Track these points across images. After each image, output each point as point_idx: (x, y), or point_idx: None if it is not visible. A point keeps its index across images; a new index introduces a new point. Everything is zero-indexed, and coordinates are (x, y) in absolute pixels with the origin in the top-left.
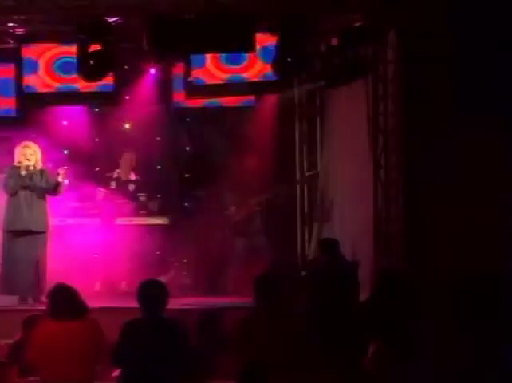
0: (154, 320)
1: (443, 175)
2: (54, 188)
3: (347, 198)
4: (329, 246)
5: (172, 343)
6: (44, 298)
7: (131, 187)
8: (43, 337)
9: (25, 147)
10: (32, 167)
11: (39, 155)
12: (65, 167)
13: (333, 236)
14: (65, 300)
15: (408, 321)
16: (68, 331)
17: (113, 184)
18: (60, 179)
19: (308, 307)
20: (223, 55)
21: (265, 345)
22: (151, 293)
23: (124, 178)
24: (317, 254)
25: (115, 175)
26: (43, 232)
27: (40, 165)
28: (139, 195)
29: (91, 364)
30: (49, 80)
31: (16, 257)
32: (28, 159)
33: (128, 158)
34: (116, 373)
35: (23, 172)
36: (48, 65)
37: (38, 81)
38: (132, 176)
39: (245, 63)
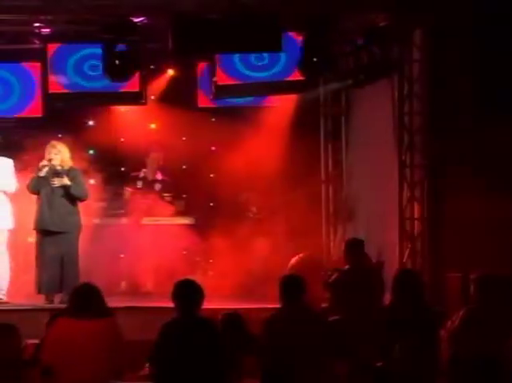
0: (191, 320)
1: (468, 175)
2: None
3: (372, 197)
4: (355, 246)
5: (209, 343)
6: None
7: (158, 186)
8: (59, 335)
9: (50, 146)
10: (59, 167)
11: (66, 154)
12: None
13: (358, 236)
14: (85, 299)
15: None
16: (85, 330)
17: (140, 184)
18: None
19: (332, 307)
20: (248, 55)
21: (290, 345)
22: (187, 293)
23: (150, 178)
24: (342, 254)
25: (141, 174)
26: (67, 232)
27: (68, 164)
28: (165, 195)
29: (108, 364)
30: (74, 80)
31: (43, 256)
32: (50, 159)
33: (154, 157)
34: (145, 371)
35: (42, 173)
36: (74, 64)
37: (64, 81)
38: (159, 176)
39: (270, 62)
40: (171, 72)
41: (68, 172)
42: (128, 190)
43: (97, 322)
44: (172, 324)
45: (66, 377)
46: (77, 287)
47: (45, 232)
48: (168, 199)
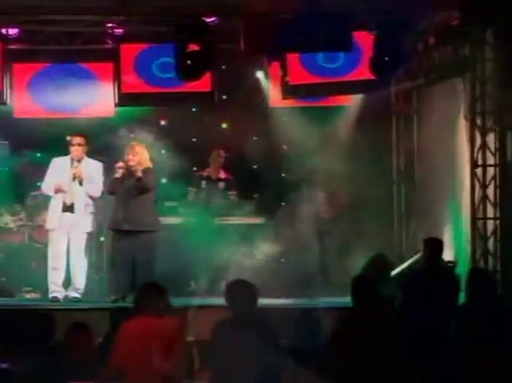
0: (244, 319)
1: None
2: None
3: (444, 197)
4: (433, 246)
5: (262, 342)
6: None
7: (222, 185)
8: (128, 334)
9: (129, 148)
10: (135, 169)
11: (144, 155)
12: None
13: (431, 235)
14: (151, 297)
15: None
16: (152, 329)
17: (203, 183)
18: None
19: (405, 306)
20: (320, 54)
21: (362, 345)
22: (239, 293)
23: (213, 177)
24: (415, 253)
25: (205, 173)
26: (141, 232)
27: (145, 165)
28: (230, 193)
29: (173, 361)
30: (147, 80)
31: (116, 256)
32: (125, 161)
33: (216, 155)
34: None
35: (118, 174)
36: (146, 65)
37: (136, 81)
38: (222, 175)
39: (342, 62)
40: (242, 71)
41: (144, 172)
42: (192, 190)
43: (164, 321)
44: (224, 322)
45: (134, 376)
46: (143, 286)
47: (119, 232)
48: (233, 198)
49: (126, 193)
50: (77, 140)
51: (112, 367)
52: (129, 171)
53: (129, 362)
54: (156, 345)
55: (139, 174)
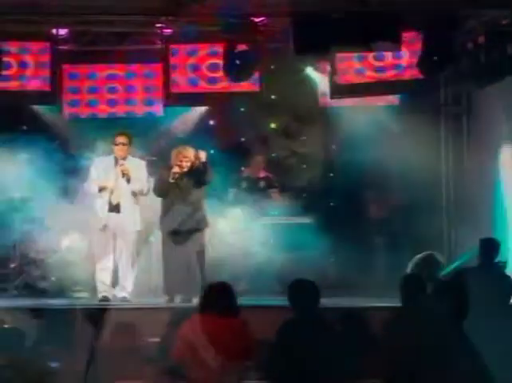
0: (308, 319)
1: None
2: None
3: (492, 197)
4: (489, 246)
5: (328, 342)
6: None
7: (262, 184)
8: (190, 333)
9: (180, 153)
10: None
11: (195, 157)
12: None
13: (479, 236)
14: (218, 297)
15: None
16: (217, 328)
17: (244, 184)
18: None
19: (457, 307)
20: (368, 54)
21: (410, 345)
22: (303, 292)
23: (253, 176)
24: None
25: (244, 174)
26: (192, 231)
27: (201, 160)
28: (271, 190)
29: (238, 362)
30: (195, 80)
31: (168, 256)
32: (179, 165)
33: (257, 160)
34: None
35: (171, 179)
36: (194, 65)
37: (185, 81)
38: (262, 174)
39: (391, 62)
40: (291, 71)
41: (199, 169)
42: (232, 191)
43: (229, 321)
44: (289, 323)
45: (196, 376)
46: (211, 285)
47: (172, 231)
48: (275, 195)
49: (178, 193)
50: (121, 139)
51: (173, 364)
52: (188, 170)
53: (191, 360)
54: (220, 345)
55: (203, 159)
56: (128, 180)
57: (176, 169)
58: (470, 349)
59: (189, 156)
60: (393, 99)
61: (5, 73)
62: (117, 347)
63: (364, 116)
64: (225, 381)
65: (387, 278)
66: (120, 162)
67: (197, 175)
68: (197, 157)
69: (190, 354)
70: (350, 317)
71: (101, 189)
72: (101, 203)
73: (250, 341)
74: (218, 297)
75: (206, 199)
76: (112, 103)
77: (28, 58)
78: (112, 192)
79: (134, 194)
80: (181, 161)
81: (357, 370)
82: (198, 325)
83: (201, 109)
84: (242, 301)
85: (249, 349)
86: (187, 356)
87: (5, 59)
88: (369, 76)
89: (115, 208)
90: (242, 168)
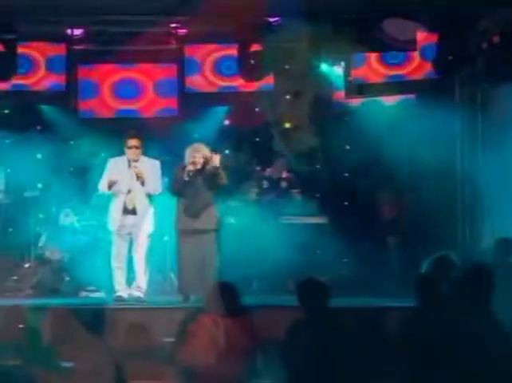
0: (317, 319)
1: None
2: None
3: (508, 196)
4: (507, 246)
5: (338, 342)
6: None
7: (284, 184)
8: (199, 333)
9: (193, 150)
10: (203, 167)
11: (209, 155)
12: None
13: (494, 235)
14: (224, 297)
15: None
16: (223, 328)
17: (265, 183)
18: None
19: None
20: (383, 54)
21: (425, 345)
22: (313, 291)
23: (275, 176)
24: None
25: (266, 173)
26: (206, 231)
27: (213, 164)
28: (293, 191)
29: (245, 363)
30: (212, 80)
31: (183, 256)
32: (192, 163)
33: (279, 161)
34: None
35: (186, 178)
36: (211, 65)
37: (200, 81)
38: (283, 174)
39: (405, 62)
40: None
41: (213, 171)
42: (253, 191)
43: (233, 320)
44: (299, 323)
45: (205, 375)
46: (215, 285)
47: (187, 231)
48: (297, 196)
49: (192, 193)
50: (133, 142)
51: (182, 364)
52: (201, 167)
53: (199, 360)
54: (226, 345)
55: (216, 164)
56: (143, 183)
57: (190, 167)
58: (502, 330)
59: (202, 152)
60: (408, 97)
61: (20, 72)
62: (132, 347)
63: (376, 116)
64: (231, 380)
65: (401, 279)
66: (133, 164)
67: (210, 178)
68: (210, 155)
69: (197, 354)
70: (362, 317)
71: (111, 184)
72: (117, 204)
73: (255, 340)
74: (221, 297)
75: (221, 198)
76: (126, 103)
77: (43, 58)
78: (128, 192)
79: (148, 195)
80: (194, 157)
81: (368, 371)
82: (203, 325)
83: (216, 109)
84: (256, 300)
85: (253, 349)
86: (194, 356)
87: (21, 59)
88: (384, 75)
89: (130, 212)
90: (258, 168)
